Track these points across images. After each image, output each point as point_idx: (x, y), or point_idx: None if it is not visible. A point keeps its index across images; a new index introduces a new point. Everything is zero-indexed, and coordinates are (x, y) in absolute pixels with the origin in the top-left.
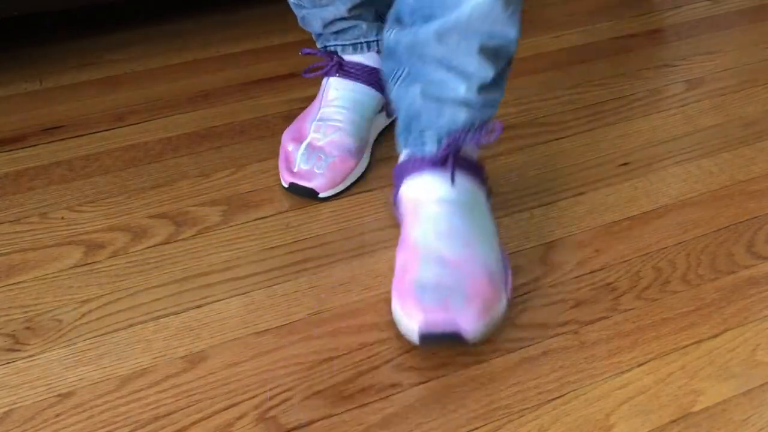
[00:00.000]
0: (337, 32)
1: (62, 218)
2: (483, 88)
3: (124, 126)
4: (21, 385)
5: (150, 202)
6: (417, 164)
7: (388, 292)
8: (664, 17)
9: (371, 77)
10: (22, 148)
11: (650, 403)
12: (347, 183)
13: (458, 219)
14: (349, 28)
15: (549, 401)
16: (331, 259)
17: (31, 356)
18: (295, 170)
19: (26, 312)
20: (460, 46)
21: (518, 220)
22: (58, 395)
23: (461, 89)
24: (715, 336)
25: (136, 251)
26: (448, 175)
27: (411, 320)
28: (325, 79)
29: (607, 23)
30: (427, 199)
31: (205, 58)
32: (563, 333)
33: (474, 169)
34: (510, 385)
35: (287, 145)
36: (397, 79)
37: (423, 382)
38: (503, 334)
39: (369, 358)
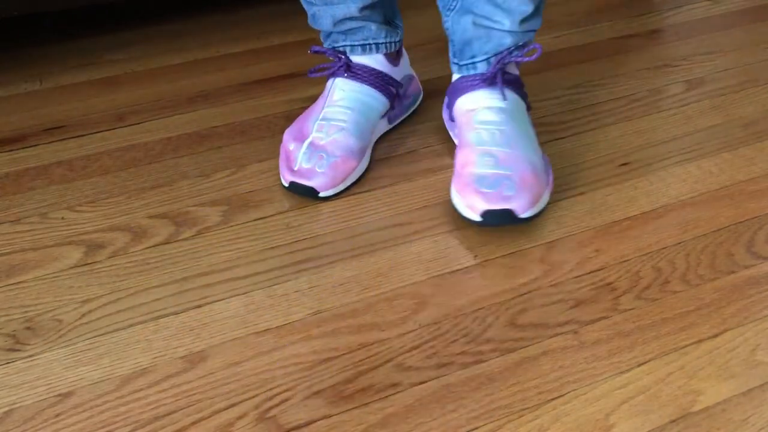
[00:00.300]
0: (346, 32)
1: (62, 218)
2: (524, 20)
3: (124, 126)
4: (21, 385)
5: (150, 202)
6: (470, 82)
7: (388, 292)
8: (664, 17)
9: (378, 80)
10: (23, 148)
11: (650, 403)
12: (347, 183)
13: (506, 124)
14: (359, 28)
15: (549, 401)
16: (331, 259)
17: (31, 356)
18: (296, 169)
19: (26, 312)
20: None
21: None
22: (58, 395)
23: (506, 22)
24: (715, 336)
25: (136, 251)
26: (497, 89)
27: (472, 203)
28: (330, 80)
29: (607, 23)
30: (480, 109)
31: (205, 58)
32: (563, 333)
33: (517, 83)
34: (510, 385)
35: (288, 144)
36: (452, 9)
37: (423, 382)
38: (503, 334)
39: (369, 358)
